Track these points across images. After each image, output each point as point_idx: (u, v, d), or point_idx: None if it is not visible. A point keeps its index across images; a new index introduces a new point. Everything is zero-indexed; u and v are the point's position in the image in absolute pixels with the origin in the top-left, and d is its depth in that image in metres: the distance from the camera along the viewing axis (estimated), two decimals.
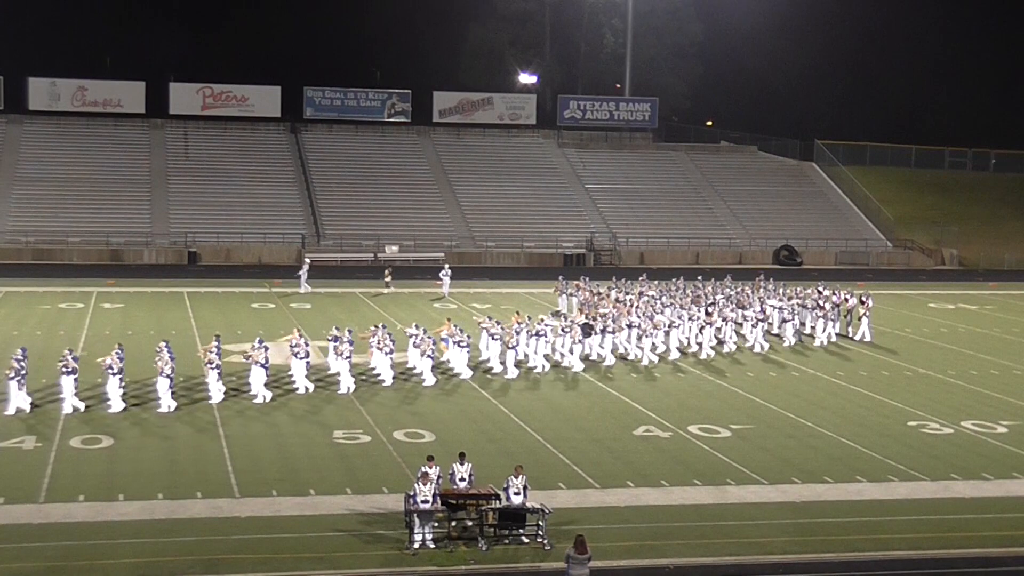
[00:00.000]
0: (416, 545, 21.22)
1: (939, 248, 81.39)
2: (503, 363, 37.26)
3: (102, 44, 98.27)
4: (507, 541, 21.64)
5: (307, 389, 33.85)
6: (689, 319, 43.07)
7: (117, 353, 31.79)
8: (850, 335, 46.64)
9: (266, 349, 33.41)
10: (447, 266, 58.53)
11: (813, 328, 46.30)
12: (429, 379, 35.35)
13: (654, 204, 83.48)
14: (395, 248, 72.79)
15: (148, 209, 75.18)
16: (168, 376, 31.28)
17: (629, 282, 52.05)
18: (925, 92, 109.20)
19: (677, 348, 41.41)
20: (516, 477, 22.22)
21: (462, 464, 23.03)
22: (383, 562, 20.75)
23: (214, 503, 23.59)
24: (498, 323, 38.79)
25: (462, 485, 22.76)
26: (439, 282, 56.77)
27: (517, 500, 21.98)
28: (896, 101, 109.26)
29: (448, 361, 37.40)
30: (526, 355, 38.22)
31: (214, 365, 32.52)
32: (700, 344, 41.97)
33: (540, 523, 21.74)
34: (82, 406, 30.71)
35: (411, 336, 37.41)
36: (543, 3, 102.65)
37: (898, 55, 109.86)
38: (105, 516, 22.65)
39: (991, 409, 34.42)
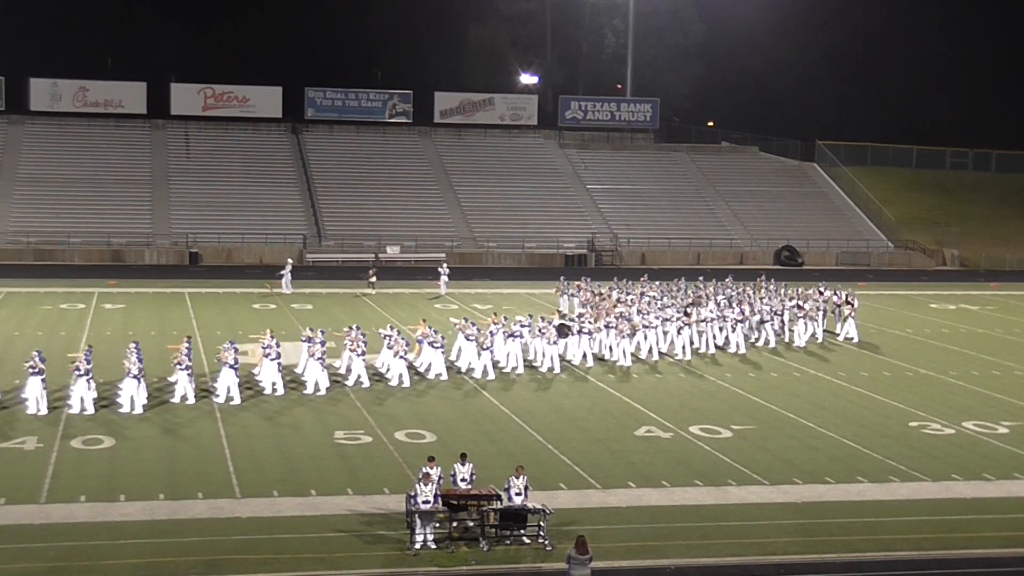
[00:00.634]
0: (417, 546, 21.23)
1: (940, 248, 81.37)
2: (473, 364, 37.03)
3: (103, 45, 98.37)
4: (508, 542, 21.65)
5: (274, 388, 33.47)
6: (667, 320, 42.77)
7: (86, 355, 31.61)
8: (837, 334, 46.71)
9: (236, 351, 33.20)
10: (445, 265, 58.60)
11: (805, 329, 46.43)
12: (405, 381, 35.02)
13: (655, 205, 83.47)
14: (396, 248, 72.81)
15: (149, 210, 75.21)
16: (136, 377, 31.04)
17: (630, 282, 52.05)
18: (926, 92, 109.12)
19: (658, 349, 41.25)
20: (517, 477, 22.22)
21: (463, 465, 23.03)
22: (384, 563, 20.76)
23: (215, 503, 23.60)
24: (473, 324, 38.66)
25: (463, 486, 22.76)
26: (437, 282, 57.00)
27: (518, 501, 21.99)
28: (897, 101, 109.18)
29: (422, 363, 37.15)
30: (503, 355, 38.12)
31: (184, 366, 32.26)
32: (685, 345, 41.70)
33: (541, 524, 21.74)
34: (46, 409, 30.48)
35: (385, 337, 37.23)
36: (544, 3, 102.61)
37: (899, 56, 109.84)
38: (106, 516, 22.66)
39: (992, 410, 34.40)
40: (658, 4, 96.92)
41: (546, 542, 21.52)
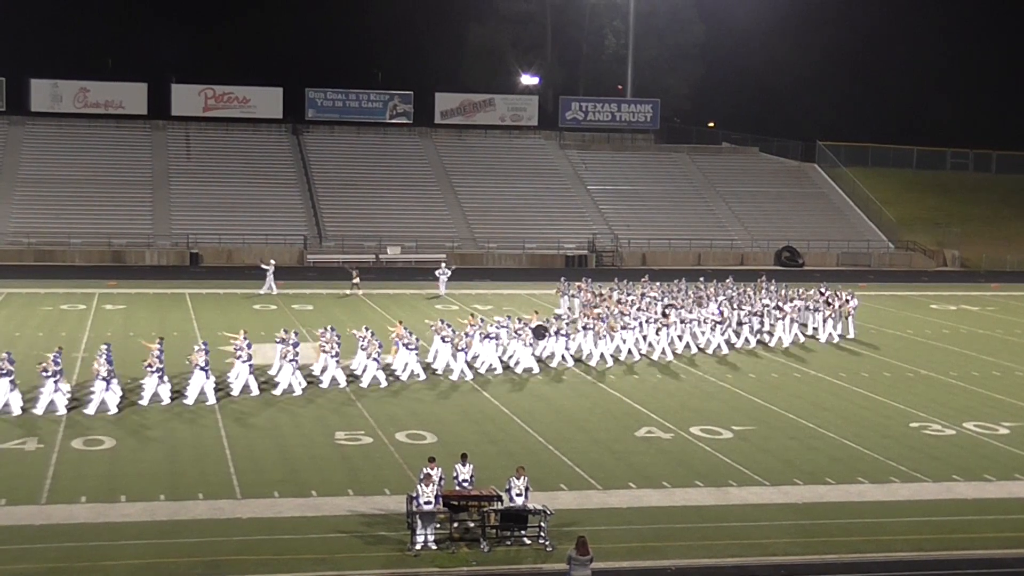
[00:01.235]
0: (418, 546, 21.23)
1: (941, 249, 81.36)
2: (451, 366, 36.97)
3: (104, 45, 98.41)
4: (509, 542, 21.65)
5: (247, 390, 33.30)
6: (646, 321, 42.71)
7: (55, 357, 31.47)
8: (836, 333, 46.77)
9: (207, 352, 33.02)
10: (444, 266, 58.63)
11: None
12: (372, 379, 34.92)
13: (656, 205, 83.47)
14: (397, 249, 72.83)
15: (150, 210, 75.23)
16: (104, 379, 30.85)
17: (631, 283, 52.06)
18: (927, 93, 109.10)
19: (637, 350, 41.14)
20: (517, 478, 22.22)
21: (464, 465, 23.03)
22: (385, 563, 20.76)
23: (216, 504, 23.60)
24: (449, 326, 38.61)
25: (464, 486, 22.76)
26: (437, 282, 57.23)
27: (519, 501, 21.99)
28: (898, 102, 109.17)
29: (397, 365, 37.00)
30: (476, 357, 38.04)
31: (154, 368, 32.09)
32: (664, 346, 41.57)
33: (542, 524, 21.74)
34: (18, 410, 30.40)
35: (360, 339, 37.18)
36: (544, 4, 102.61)
37: (900, 56, 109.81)
38: (107, 517, 22.66)
39: (993, 410, 34.40)
40: (658, 5, 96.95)
41: (547, 543, 21.52)
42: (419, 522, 21.35)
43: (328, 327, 37.03)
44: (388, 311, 50.42)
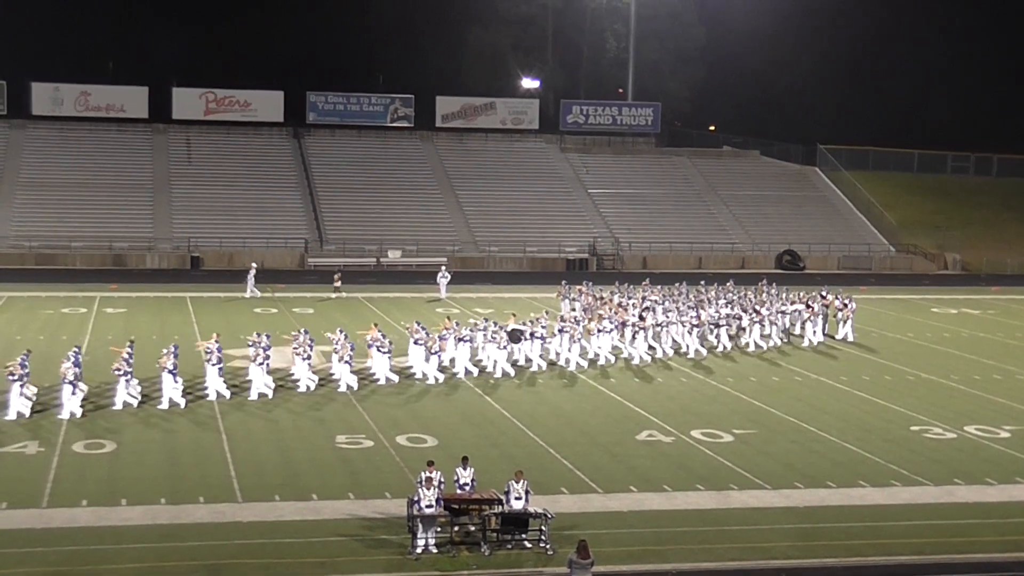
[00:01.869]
0: (419, 550, 21.23)
1: (942, 253, 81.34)
2: (425, 369, 36.96)
3: (105, 49, 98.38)
4: (510, 546, 21.65)
5: (218, 394, 33.20)
6: (623, 324, 42.48)
7: (22, 360, 31.44)
8: (836, 336, 46.94)
9: (175, 355, 32.85)
10: (444, 269, 58.64)
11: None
12: (344, 385, 34.85)
13: (657, 209, 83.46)
14: (398, 253, 72.84)
15: (151, 214, 75.24)
16: (71, 383, 30.74)
17: (631, 286, 52.06)
18: (927, 96, 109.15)
19: (610, 352, 40.98)
20: (518, 482, 22.22)
21: (464, 468, 23.03)
22: (386, 567, 20.76)
23: (216, 508, 23.60)
24: (423, 328, 38.58)
25: (465, 490, 22.75)
26: (438, 285, 57.25)
27: (519, 505, 21.98)
28: (898, 106, 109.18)
29: (371, 368, 36.99)
30: (451, 360, 38.09)
31: (122, 372, 32.01)
32: (641, 349, 41.39)
33: (543, 528, 21.75)
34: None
35: (333, 342, 37.01)
36: (545, 8, 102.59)
37: (900, 60, 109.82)
38: (108, 521, 22.68)
39: (994, 414, 34.40)
40: (659, 8, 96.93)
41: (547, 546, 21.51)
42: (420, 526, 21.35)
43: (302, 330, 36.91)
44: (388, 314, 50.43)
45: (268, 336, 35.97)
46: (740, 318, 45.85)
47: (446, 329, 38.83)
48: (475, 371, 37.85)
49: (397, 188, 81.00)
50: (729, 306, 47.36)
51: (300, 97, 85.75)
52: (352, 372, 35.51)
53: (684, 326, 43.42)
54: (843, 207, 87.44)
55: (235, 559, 20.88)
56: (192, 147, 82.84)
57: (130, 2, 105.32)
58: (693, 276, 58.64)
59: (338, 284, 56.87)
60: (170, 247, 71.89)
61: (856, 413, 34.00)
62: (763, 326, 45.35)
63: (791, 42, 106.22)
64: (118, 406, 31.65)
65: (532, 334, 39.74)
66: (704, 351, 42.83)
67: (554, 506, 23.00)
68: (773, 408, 34.26)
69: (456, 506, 21.96)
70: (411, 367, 37.67)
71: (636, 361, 40.79)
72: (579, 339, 40.18)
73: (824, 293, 50.03)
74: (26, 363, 31.50)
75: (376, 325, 39.50)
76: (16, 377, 30.65)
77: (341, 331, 37.30)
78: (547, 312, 44.81)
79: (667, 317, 43.98)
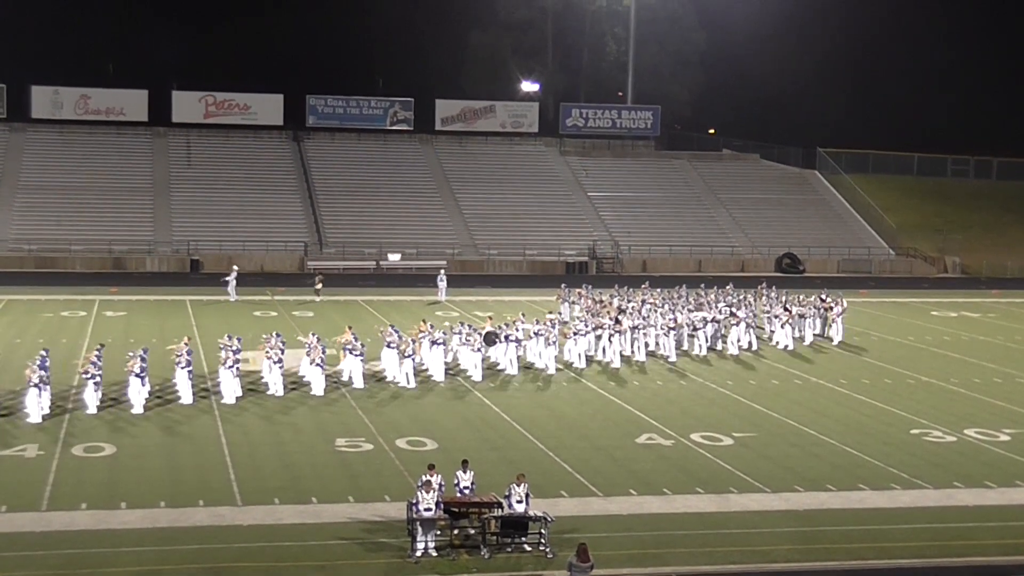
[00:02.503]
0: (419, 553, 21.21)
1: (942, 256, 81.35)
2: (396, 372, 36.89)
3: (105, 52, 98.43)
4: (509, 549, 21.63)
5: (191, 399, 33.14)
6: (599, 327, 42.37)
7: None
8: (830, 338, 47.07)
9: (143, 359, 32.68)
10: (443, 272, 58.67)
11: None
12: (317, 388, 34.75)
13: (656, 212, 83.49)
14: (397, 256, 72.85)
15: (151, 217, 75.26)
16: (37, 386, 30.58)
17: (631, 290, 52.06)
18: (927, 100, 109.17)
19: (583, 354, 40.80)
20: (518, 485, 22.21)
21: (464, 472, 23.02)
22: (386, 570, 20.75)
23: (216, 511, 23.59)
24: (396, 331, 38.51)
25: (465, 493, 22.74)
26: (437, 288, 57.35)
27: (519, 508, 21.97)
28: (898, 109, 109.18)
29: (342, 371, 36.88)
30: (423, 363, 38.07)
31: (89, 375, 31.90)
32: (616, 352, 41.24)
33: (542, 531, 21.73)
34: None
35: (306, 344, 36.93)
36: (545, 11, 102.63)
37: (900, 63, 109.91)
38: (107, 524, 22.66)
39: (994, 417, 34.38)
40: (659, 11, 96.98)
41: (547, 550, 21.49)
42: (419, 529, 21.34)
43: (274, 333, 36.79)
44: (388, 317, 50.41)
45: (239, 339, 35.99)
46: (739, 321, 45.82)
47: (420, 332, 38.75)
48: (443, 375, 37.46)
49: (397, 191, 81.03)
50: (730, 308, 47.35)
51: (300, 100, 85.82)
52: (323, 375, 35.24)
53: (661, 329, 43.31)
54: (843, 210, 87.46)
55: (235, 563, 20.86)
56: (192, 150, 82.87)
57: (129, 5, 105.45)
58: (693, 279, 58.66)
59: (319, 287, 56.80)
60: (170, 250, 71.91)
61: (856, 416, 33.99)
62: (741, 328, 45.07)
63: (791, 45, 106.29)
64: (91, 410, 31.45)
65: (507, 337, 39.66)
66: (674, 356, 42.37)
67: (554, 509, 22.98)
68: (773, 411, 34.25)
69: (456, 509, 21.96)
70: (384, 370, 37.59)
71: (614, 364, 40.54)
72: (554, 342, 40.05)
73: (824, 296, 50.04)
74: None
75: (350, 328, 39.36)
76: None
77: (314, 334, 37.21)
78: (523, 314, 44.58)
79: (644, 320, 43.88)
